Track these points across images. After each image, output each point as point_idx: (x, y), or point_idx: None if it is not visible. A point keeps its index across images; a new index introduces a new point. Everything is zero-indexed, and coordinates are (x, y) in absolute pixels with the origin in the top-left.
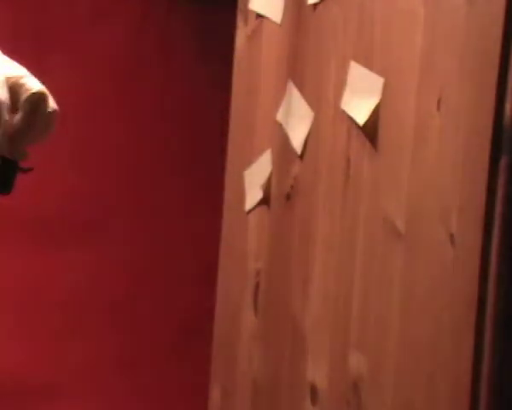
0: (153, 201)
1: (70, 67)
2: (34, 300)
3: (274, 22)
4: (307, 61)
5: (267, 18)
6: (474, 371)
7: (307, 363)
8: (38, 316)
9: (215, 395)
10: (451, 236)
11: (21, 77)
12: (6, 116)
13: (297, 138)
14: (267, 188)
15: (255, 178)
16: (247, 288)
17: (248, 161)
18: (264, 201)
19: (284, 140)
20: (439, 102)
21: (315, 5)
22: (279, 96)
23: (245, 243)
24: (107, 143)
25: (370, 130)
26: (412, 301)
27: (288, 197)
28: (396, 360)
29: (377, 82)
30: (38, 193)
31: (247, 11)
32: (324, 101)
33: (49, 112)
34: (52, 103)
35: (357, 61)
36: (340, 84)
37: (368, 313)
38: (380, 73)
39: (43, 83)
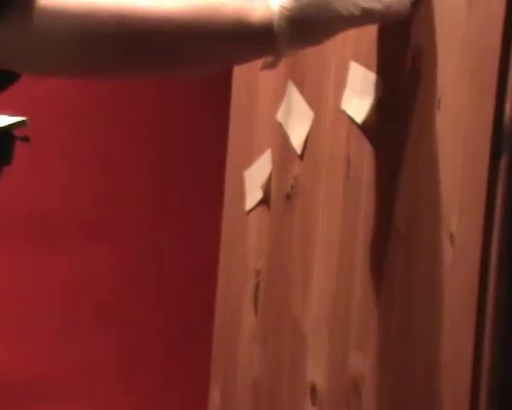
0: (152, 200)
1: None
2: (34, 300)
3: None
4: (307, 61)
5: None
6: (474, 371)
7: (307, 363)
8: (38, 316)
9: (215, 395)
10: (451, 236)
11: None
12: None
13: (297, 138)
14: (267, 188)
15: (255, 178)
16: (247, 288)
17: (248, 161)
18: (264, 201)
19: (284, 140)
20: (439, 102)
21: None
22: (279, 96)
23: (245, 243)
24: (106, 143)
25: (370, 130)
26: (412, 301)
27: (288, 197)
28: (396, 360)
29: (377, 82)
30: (38, 193)
31: None
32: (324, 101)
33: None
34: None
35: (357, 61)
36: (340, 84)
37: (368, 313)
38: (380, 73)
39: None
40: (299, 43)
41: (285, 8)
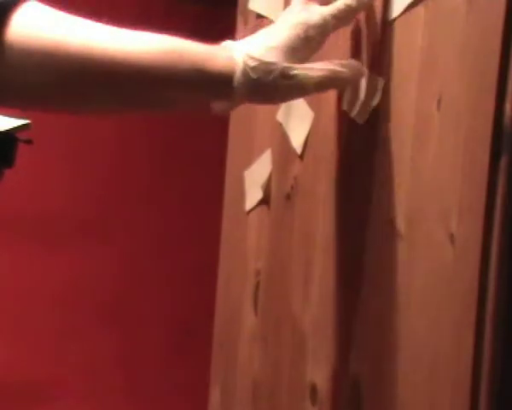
0: (152, 201)
1: None
2: (34, 300)
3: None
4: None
5: (267, 18)
6: (474, 371)
7: (307, 363)
8: (38, 316)
9: (215, 395)
10: (451, 236)
11: None
12: None
13: (297, 138)
14: (267, 188)
15: (255, 178)
16: (247, 288)
17: (248, 161)
18: (264, 201)
19: (284, 140)
20: (439, 102)
21: None
22: None
23: (245, 243)
24: (106, 143)
25: (370, 130)
26: (412, 301)
27: (288, 197)
28: (396, 360)
29: (377, 82)
30: (39, 194)
31: (247, 11)
32: (324, 101)
33: None
34: None
35: (357, 61)
36: None
37: (368, 312)
38: (380, 73)
39: None
40: (256, 101)
41: (249, 66)
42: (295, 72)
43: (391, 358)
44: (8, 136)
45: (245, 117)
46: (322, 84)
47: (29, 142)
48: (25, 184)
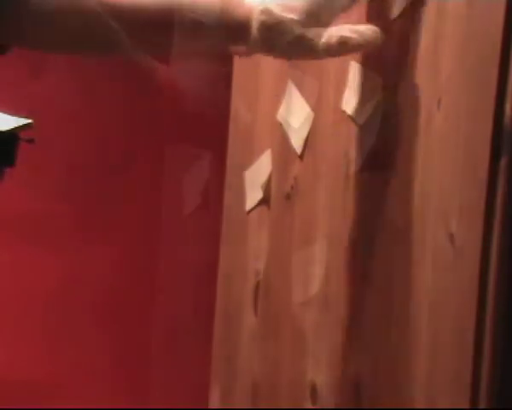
0: (152, 201)
1: (68, 66)
2: (33, 300)
3: None
4: (307, 61)
5: None
6: (474, 370)
7: (307, 363)
8: (37, 316)
9: (215, 395)
10: (451, 236)
11: None
12: None
13: (297, 138)
14: (267, 188)
15: (255, 178)
16: (247, 288)
17: (248, 161)
18: (264, 201)
19: (284, 140)
20: (439, 102)
21: None
22: (279, 96)
23: (245, 243)
24: (107, 143)
25: (370, 130)
26: (412, 301)
27: (288, 197)
28: (396, 360)
29: (377, 82)
30: (38, 193)
31: None
32: (324, 101)
33: None
34: None
35: (357, 61)
36: (340, 84)
37: (368, 313)
38: (380, 73)
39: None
40: (269, 54)
41: (265, 24)
42: (308, 36)
43: (391, 358)
44: (10, 135)
45: (245, 117)
46: (332, 49)
47: (31, 141)
48: (25, 183)
